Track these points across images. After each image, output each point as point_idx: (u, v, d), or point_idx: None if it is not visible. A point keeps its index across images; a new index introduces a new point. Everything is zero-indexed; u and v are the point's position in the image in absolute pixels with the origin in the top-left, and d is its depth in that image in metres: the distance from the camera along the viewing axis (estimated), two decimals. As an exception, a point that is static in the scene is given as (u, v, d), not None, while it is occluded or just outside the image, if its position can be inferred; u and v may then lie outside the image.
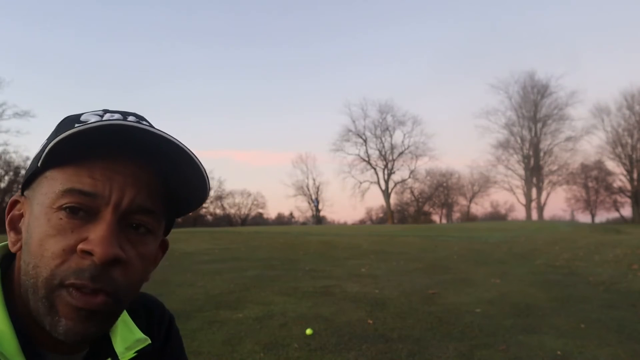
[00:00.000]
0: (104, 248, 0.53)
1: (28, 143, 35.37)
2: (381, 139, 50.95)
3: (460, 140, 79.32)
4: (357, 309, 5.36)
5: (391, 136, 51.07)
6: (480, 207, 60.96)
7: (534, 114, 49.66)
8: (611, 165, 44.09)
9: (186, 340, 0.86)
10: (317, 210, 49.47)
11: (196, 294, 5.97)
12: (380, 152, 50.89)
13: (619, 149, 42.79)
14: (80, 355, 0.64)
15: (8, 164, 32.87)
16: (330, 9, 72.37)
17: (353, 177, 51.10)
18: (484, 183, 52.83)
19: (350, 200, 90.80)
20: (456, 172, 53.95)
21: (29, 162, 0.63)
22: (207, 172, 0.60)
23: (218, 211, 47.56)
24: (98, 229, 0.54)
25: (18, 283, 0.59)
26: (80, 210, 0.55)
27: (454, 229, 23.66)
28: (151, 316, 0.78)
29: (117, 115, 0.60)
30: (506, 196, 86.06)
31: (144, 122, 0.60)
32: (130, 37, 67.93)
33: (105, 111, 0.61)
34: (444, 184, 53.49)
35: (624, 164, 42.43)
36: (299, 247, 12.20)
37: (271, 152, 76.87)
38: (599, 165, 44.96)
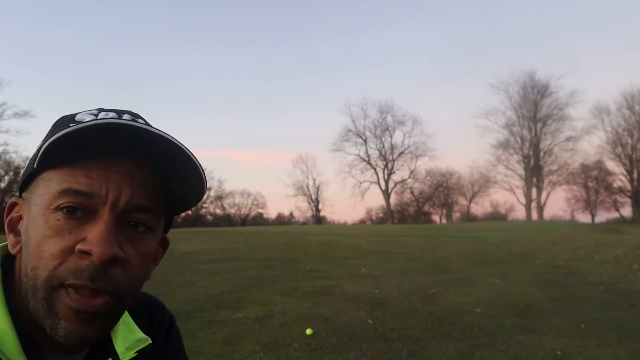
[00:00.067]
0: (103, 248, 0.53)
1: (28, 143, 35.36)
2: (381, 139, 51.03)
3: (460, 140, 79.50)
4: (357, 309, 5.36)
5: (391, 136, 51.15)
6: (480, 207, 61.05)
7: (534, 114, 49.68)
8: (611, 165, 44.14)
9: (186, 340, 0.86)
10: (317, 210, 49.49)
11: (196, 294, 5.97)
12: (380, 152, 50.96)
13: (619, 149, 42.79)
14: (81, 355, 0.64)
15: (8, 164, 32.95)
16: (330, 9, 72.47)
17: (353, 177, 51.19)
18: (484, 183, 52.88)
19: (350, 200, 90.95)
20: (456, 172, 54.04)
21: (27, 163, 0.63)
22: (207, 171, 0.60)
23: (218, 211, 47.65)
24: (96, 229, 0.54)
25: (19, 284, 0.59)
26: (78, 210, 0.55)
27: (454, 229, 23.66)
28: (152, 316, 0.78)
29: (112, 114, 0.60)
30: (506, 196, 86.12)
31: (139, 120, 0.60)
32: (130, 37, 68.00)
33: (100, 110, 0.61)
34: (444, 184, 53.52)
35: (624, 164, 42.42)
36: (299, 247, 12.20)
37: (271, 152, 76.97)
38: (599, 165, 44.96)
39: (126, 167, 0.57)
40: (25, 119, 43.16)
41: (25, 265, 0.56)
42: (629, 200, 42.92)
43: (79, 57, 64.43)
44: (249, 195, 48.25)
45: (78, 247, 0.53)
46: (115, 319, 0.60)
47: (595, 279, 7.81)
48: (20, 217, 0.61)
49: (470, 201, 54.33)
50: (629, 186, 42.53)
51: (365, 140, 50.74)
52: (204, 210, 45.12)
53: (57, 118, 0.63)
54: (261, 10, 72.33)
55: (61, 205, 0.55)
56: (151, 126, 0.57)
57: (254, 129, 76.49)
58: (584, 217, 46.69)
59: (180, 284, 6.53)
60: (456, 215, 56.31)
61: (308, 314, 5.08)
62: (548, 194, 49.90)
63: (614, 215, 45.63)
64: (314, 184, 52.01)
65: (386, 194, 50.14)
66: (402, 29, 72.08)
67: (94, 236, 0.54)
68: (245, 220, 47.27)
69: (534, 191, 49.69)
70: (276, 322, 4.72)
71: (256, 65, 72.81)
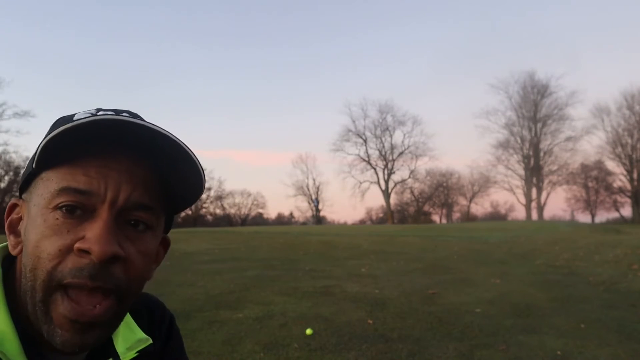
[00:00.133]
0: (102, 246, 0.53)
1: (28, 143, 35.38)
2: (381, 139, 51.04)
3: (460, 140, 79.48)
4: (357, 309, 5.36)
5: (391, 136, 51.17)
6: (480, 207, 61.04)
7: (534, 114, 49.70)
8: (611, 165, 44.14)
9: (186, 340, 0.86)
10: (317, 210, 49.51)
11: (196, 294, 5.97)
12: (380, 152, 50.97)
13: (619, 149, 42.80)
14: (82, 355, 0.64)
15: (8, 164, 32.97)
16: (330, 9, 72.43)
17: (353, 177, 51.22)
18: (484, 183, 52.89)
19: (350, 200, 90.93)
20: (456, 172, 54.09)
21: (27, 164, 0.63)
22: (207, 171, 0.60)
23: (218, 211, 47.65)
24: (95, 227, 0.54)
25: (19, 285, 0.59)
26: (77, 209, 0.55)
27: (454, 229, 23.65)
28: (152, 316, 0.78)
29: (110, 113, 0.60)
30: (506, 196, 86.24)
31: (138, 119, 0.59)
32: (130, 37, 67.99)
33: (99, 110, 0.61)
34: (444, 184, 53.53)
35: (624, 164, 42.43)
36: (299, 247, 12.20)
37: (271, 152, 76.94)
38: (599, 165, 44.97)
39: (125, 165, 0.57)
40: (25, 119, 43.28)
41: (25, 266, 0.56)
42: (629, 200, 42.95)
43: (79, 57, 64.51)
44: (249, 195, 48.37)
45: (77, 245, 0.53)
46: (116, 323, 0.59)
47: (595, 279, 7.81)
48: (20, 218, 0.61)
49: (470, 201, 54.39)
50: (629, 186, 42.55)
51: (365, 140, 50.83)
52: (204, 210, 45.17)
53: (56, 119, 0.63)
54: (261, 10, 72.42)
55: (60, 204, 0.55)
56: (150, 123, 0.56)
57: (254, 129, 76.58)
58: (584, 217, 46.78)
59: (181, 284, 6.53)
60: (456, 215, 56.40)
61: (308, 314, 5.08)
62: (548, 194, 50.01)
63: (614, 215, 45.71)
64: (314, 184, 52.09)
65: (386, 194, 50.16)
66: (402, 29, 72.16)
67: (93, 234, 0.53)
68: (245, 220, 47.28)
69: (534, 191, 49.77)
70: (276, 322, 4.71)
71: (256, 66, 72.90)
